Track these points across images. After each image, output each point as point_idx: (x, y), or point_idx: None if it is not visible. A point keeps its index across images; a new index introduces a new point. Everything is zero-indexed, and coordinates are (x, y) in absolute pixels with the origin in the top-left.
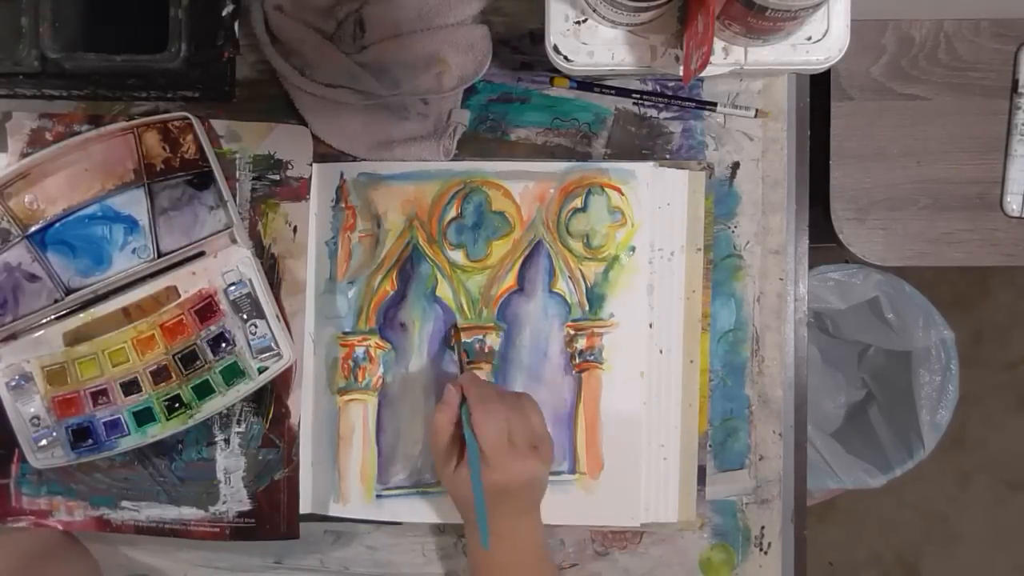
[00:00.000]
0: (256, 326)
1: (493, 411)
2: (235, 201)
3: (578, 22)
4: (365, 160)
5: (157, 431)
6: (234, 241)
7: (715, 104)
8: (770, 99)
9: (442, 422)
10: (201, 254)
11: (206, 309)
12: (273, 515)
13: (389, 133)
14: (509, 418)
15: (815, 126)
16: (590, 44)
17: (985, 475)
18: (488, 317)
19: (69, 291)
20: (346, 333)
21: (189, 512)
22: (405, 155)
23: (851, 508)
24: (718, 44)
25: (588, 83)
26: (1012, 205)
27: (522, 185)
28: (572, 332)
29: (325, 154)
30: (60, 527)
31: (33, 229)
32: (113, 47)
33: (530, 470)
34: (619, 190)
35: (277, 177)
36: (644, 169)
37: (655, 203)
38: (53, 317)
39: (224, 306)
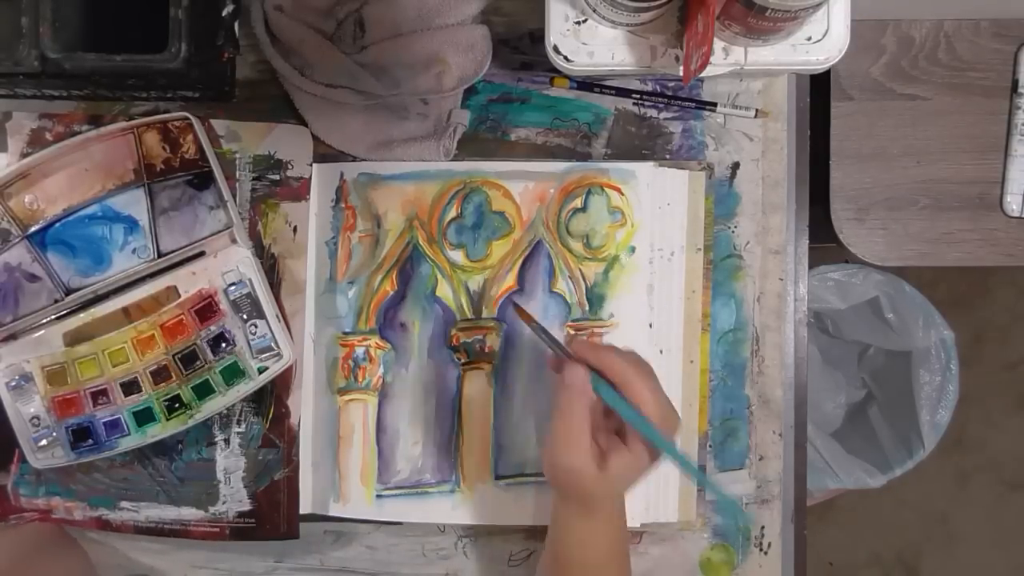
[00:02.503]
0: (256, 326)
1: (645, 376)
2: (235, 201)
3: (578, 22)
4: (365, 160)
5: (157, 431)
6: (234, 241)
7: (715, 104)
8: (770, 99)
9: (580, 409)
10: (201, 254)
11: (206, 309)
12: (273, 515)
13: (389, 133)
14: (652, 381)
15: (815, 126)
16: (590, 44)
17: (985, 475)
18: (488, 317)
19: (69, 291)
20: (346, 333)
21: (189, 512)
22: (405, 155)
23: (851, 508)
24: (718, 44)
25: (588, 83)
26: (1012, 205)
27: (522, 185)
28: (572, 332)
29: (325, 154)
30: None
31: (33, 229)
32: (113, 47)
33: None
34: (619, 190)
35: (277, 177)
36: (644, 169)
37: (655, 203)
38: (53, 317)
39: (224, 306)
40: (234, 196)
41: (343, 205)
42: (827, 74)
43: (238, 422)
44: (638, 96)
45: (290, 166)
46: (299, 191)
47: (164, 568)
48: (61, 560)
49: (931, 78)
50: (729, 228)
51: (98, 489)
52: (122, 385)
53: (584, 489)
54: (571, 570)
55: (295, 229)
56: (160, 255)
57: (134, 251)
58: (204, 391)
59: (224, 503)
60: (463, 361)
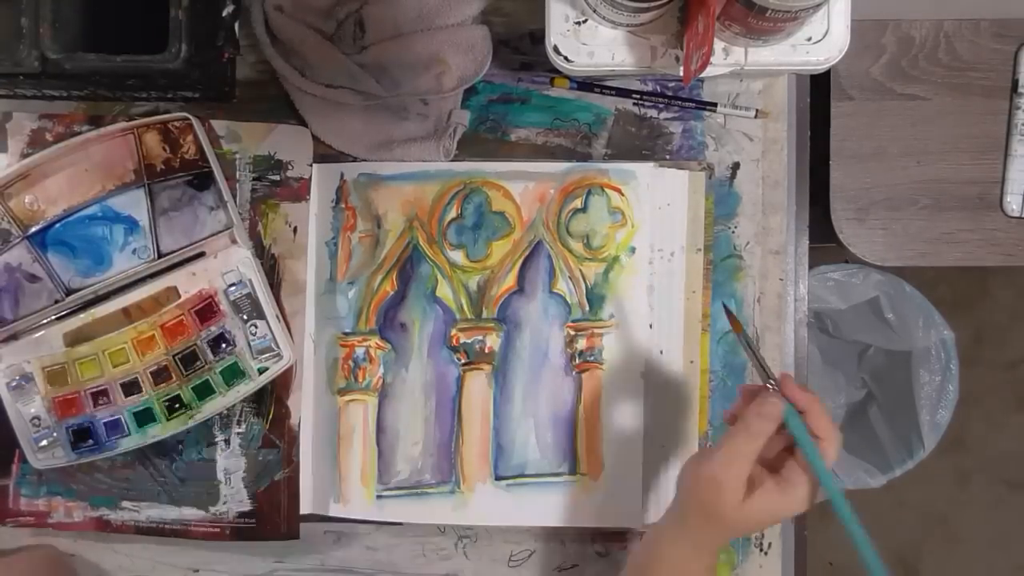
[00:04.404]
0: (256, 326)
1: (835, 441)
2: (235, 201)
3: (578, 22)
4: (365, 160)
5: (157, 431)
6: (234, 242)
7: (715, 104)
8: (770, 99)
9: (758, 437)
10: (201, 254)
11: (206, 310)
12: (273, 515)
13: (389, 133)
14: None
15: (815, 126)
16: (590, 45)
17: (985, 475)
18: (488, 317)
19: (69, 291)
20: (346, 333)
21: (189, 512)
22: (405, 155)
23: (851, 508)
24: (718, 45)
25: (588, 83)
26: (1012, 205)
27: (522, 185)
28: (572, 332)
29: (325, 154)
30: (59, 530)
31: (33, 230)
32: (113, 47)
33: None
34: (619, 190)
35: (277, 177)
36: (644, 169)
37: (655, 203)
38: (53, 317)
39: (224, 307)
40: (234, 196)
41: (343, 205)
42: (827, 74)
43: (238, 422)
44: (638, 96)
45: (290, 166)
46: (299, 191)
47: (164, 568)
48: None
49: (931, 78)
50: (729, 228)
51: (99, 489)
52: (122, 385)
53: (714, 510)
54: None
55: (295, 229)
56: (160, 255)
57: (134, 251)
58: (204, 391)
59: (225, 503)
60: (463, 361)
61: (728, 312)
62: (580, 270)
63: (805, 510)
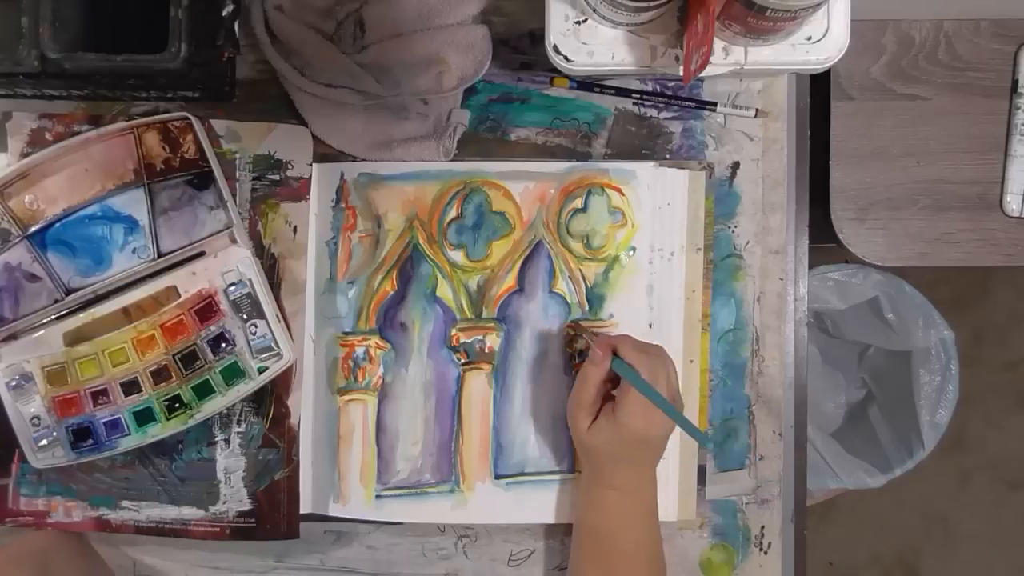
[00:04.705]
0: (256, 326)
1: (654, 365)
2: (235, 201)
3: (578, 22)
4: (365, 160)
5: (157, 431)
6: (234, 241)
7: (715, 104)
8: (770, 99)
9: (594, 378)
10: (201, 254)
11: (206, 309)
12: (273, 515)
13: (389, 133)
14: (660, 372)
15: (815, 126)
16: (590, 44)
17: (985, 475)
18: (488, 317)
19: (69, 291)
20: (346, 333)
21: (189, 512)
22: (405, 155)
23: (851, 508)
24: (718, 44)
25: (588, 83)
26: (1012, 205)
27: (522, 185)
28: (572, 332)
29: (325, 154)
30: (59, 529)
31: (33, 229)
32: (113, 47)
33: (669, 422)
34: (619, 190)
35: (277, 177)
36: (644, 169)
37: (655, 203)
38: (53, 317)
39: (224, 306)
40: (234, 196)
41: (343, 205)
42: (827, 74)
43: (238, 422)
44: (638, 96)
45: (290, 166)
46: (299, 191)
47: (164, 568)
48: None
49: (931, 78)
50: (729, 228)
51: (99, 489)
52: (122, 385)
53: (576, 437)
54: (585, 533)
55: (295, 229)
56: (160, 255)
57: (134, 251)
58: (204, 391)
59: (224, 503)
60: (463, 361)
61: (577, 326)
62: (580, 270)
63: (642, 430)
